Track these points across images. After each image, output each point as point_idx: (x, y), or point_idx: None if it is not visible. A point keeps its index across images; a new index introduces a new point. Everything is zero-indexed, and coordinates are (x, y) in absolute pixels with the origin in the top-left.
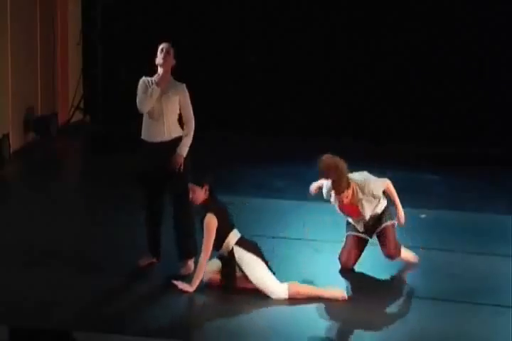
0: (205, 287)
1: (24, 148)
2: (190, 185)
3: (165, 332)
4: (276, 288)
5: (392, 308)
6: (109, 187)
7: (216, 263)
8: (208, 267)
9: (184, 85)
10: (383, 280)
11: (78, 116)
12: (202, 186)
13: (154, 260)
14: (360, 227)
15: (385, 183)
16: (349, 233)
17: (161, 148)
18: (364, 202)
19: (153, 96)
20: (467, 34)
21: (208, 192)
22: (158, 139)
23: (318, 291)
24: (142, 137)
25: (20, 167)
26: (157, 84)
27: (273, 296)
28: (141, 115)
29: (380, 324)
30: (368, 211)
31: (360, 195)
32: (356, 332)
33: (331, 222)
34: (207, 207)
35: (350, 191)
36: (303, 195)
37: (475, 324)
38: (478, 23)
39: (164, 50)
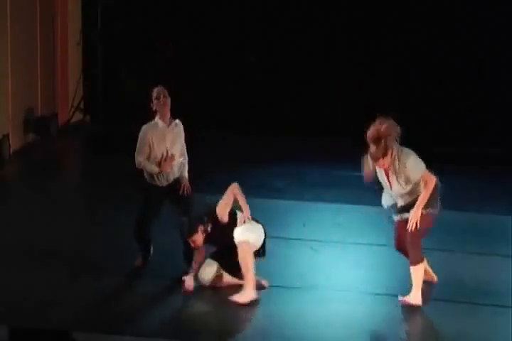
0: (205, 288)
1: (24, 149)
2: (189, 239)
3: (164, 333)
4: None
5: (390, 308)
6: (108, 187)
7: (212, 265)
8: (207, 270)
9: (180, 122)
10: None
11: (78, 116)
12: (197, 230)
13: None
14: (401, 202)
15: (425, 171)
16: (393, 217)
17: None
18: (395, 179)
19: (154, 171)
20: (466, 34)
21: (205, 232)
22: (165, 183)
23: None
24: (148, 181)
25: (20, 167)
26: (159, 165)
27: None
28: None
29: (378, 322)
30: (396, 189)
31: (397, 168)
32: (354, 328)
33: (330, 223)
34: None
35: (388, 159)
36: (302, 195)
37: (473, 323)
38: (478, 23)
39: (161, 96)
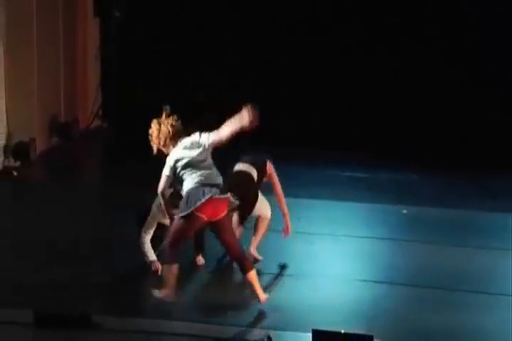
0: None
1: (48, 151)
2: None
3: (181, 315)
4: None
5: (372, 294)
6: (127, 188)
7: None
8: None
9: None
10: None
11: (97, 122)
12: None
13: None
14: None
15: None
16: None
17: None
18: None
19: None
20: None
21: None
22: None
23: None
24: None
25: (45, 168)
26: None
27: None
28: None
29: (365, 306)
30: None
31: None
32: (343, 311)
33: (322, 217)
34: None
35: None
36: (297, 193)
37: (448, 308)
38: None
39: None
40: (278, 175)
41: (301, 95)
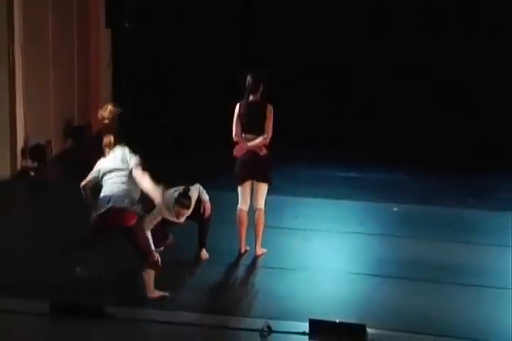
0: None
1: (63, 153)
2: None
3: (192, 306)
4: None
5: (365, 286)
6: None
7: None
8: None
9: None
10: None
11: None
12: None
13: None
14: None
15: None
16: None
17: None
18: None
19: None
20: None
21: None
22: None
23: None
24: None
25: (60, 169)
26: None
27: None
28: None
29: (358, 297)
30: None
31: None
32: (338, 302)
33: (318, 215)
34: None
35: None
36: (294, 191)
37: (436, 299)
38: None
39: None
40: (277, 175)
41: (300, 98)
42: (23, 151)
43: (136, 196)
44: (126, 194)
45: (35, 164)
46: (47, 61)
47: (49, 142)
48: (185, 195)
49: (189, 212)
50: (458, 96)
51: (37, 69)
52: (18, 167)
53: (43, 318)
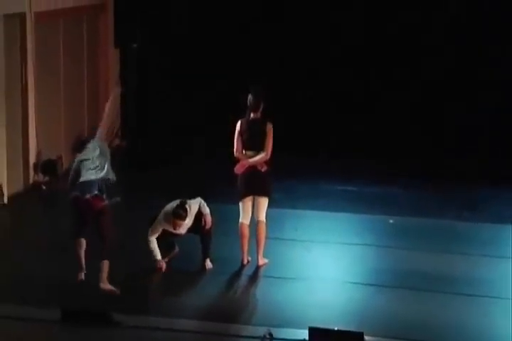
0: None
1: None
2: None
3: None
4: None
5: (363, 295)
6: (145, 198)
7: None
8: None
9: None
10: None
11: (116, 141)
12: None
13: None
14: None
15: None
16: None
17: None
18: None
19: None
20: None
21: None
22: None
23: None
24: None
25: None
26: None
27: None
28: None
29: (355, 305)
30: None
31: None
32: (336, 310)
33: (317, 227)
34: None
35: None
36: (294, 204)
37: (430, 308)
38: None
39: None
40: (277, 189)
41: (298, 109)
42: (35, 166)
43: (107, 182)
44: (97, 180)
45: (47, 178)
46: (58, 80)
47: (60, 157)
48: (181, 207)
49: (185, 223)
50: (452, 109)
51: (49, 88)
52: (31, 181)
53: (55, 325)
